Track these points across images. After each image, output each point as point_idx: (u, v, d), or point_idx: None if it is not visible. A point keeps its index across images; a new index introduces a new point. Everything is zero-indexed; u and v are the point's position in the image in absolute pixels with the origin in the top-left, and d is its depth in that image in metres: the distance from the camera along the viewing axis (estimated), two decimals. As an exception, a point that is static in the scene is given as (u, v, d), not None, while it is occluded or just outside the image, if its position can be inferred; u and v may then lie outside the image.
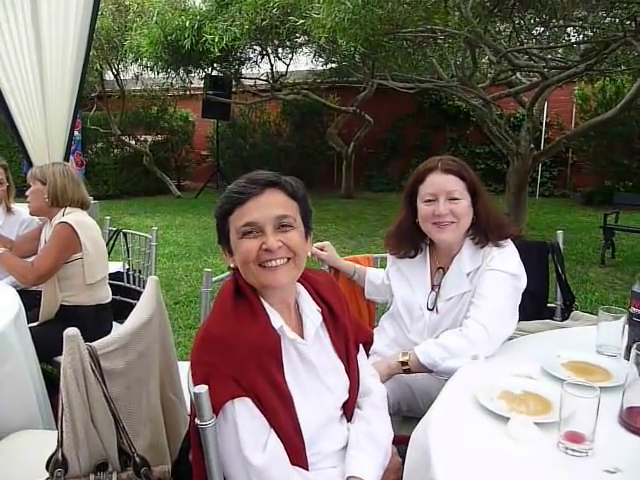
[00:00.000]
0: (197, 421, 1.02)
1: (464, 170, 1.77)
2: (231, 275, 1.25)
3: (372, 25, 4.76)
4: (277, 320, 1.18)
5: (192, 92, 10.73)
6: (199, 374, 1.09)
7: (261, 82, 10.28)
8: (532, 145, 6.37)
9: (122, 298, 2.86)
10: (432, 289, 1.83)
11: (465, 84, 6.00)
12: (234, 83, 9.57)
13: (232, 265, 1.23)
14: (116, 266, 2.98)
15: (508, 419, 1.18)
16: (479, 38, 4.92)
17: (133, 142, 10.80)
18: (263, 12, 5.80)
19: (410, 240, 1.86)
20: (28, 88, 3.74)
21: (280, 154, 11.00)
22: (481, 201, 1.76)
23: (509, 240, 1.77)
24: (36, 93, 3.77)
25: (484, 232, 1.75)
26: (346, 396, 1.28)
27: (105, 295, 2.56)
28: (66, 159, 4.07)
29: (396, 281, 1.93)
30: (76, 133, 8.78)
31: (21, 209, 2.86)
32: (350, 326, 1.31)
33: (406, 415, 1.80)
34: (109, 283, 2.62)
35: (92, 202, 2.62)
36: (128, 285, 2.90)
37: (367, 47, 5.50)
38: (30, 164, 3.95)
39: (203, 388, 1.00)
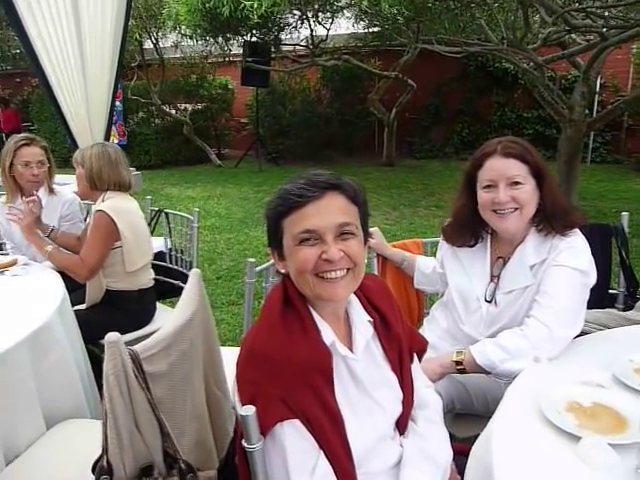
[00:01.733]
0: (244, 443, 0.96)
1: (526, 152, 1.61)
2: (279, 281, 1.16)
3: (418, -14, 4.49)
4: (329, 335, 1.09)
5: (231, 59, 10.59)
6: (245, 393, 1.02)
7: (300, 48, 10.04)
8: (587, 111, 6.00)
9: (164, 278, 2.84)
10: (491, 280, 1.71)
11: (515, 46, 5.66)
12: (273, 49, 9.35)
13: (283, 271, 1.14)
14: (158, 244, 2.95)
15: (578, 438, 1.08)
16: (533, -3, 4.59)
17: (173, 111, 10.78)
18: (303, -25, 5.58)
19: (470, 228, 1.74)
20: (68, 62, 3.72)
21: (320, 121, 10.80)
22: (547, 185, 1.61)
23: (576, 230, 1.62)
24: (76, 67, 3.74)
25: (548, 219, 1.61)
26: (399, 410, 1.19)
27: (148, 279, 2.54)
28: (108, 132, 4.07)
29: (452, 269, 1.81)
30: (117, 104, 8.82)
31: (63, 190, 2.84)
32: (404, 334, 1.21)
33: (459, 412, 1.72)
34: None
35: (135, 173, 2.56)
36: (170, 266, 2.88)
37: (412, 10, 5.23)
38: (72, 140, 3.96)
39: (250, 410, 0.93)
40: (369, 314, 1.18)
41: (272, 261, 1.88)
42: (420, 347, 1.29)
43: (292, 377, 1.01)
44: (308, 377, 1.02)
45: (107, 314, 2.41)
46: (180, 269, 2.85)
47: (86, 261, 2.25)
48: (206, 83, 11.16)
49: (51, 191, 2.73)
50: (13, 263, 2.26)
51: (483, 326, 1.69)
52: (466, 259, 1.77)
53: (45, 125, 11.54)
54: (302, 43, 9.36)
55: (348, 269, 1.08)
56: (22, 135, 2.66)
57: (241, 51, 9.55)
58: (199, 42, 8.36)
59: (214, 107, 11.41)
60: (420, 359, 1.32)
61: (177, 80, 10.91)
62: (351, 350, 1.13)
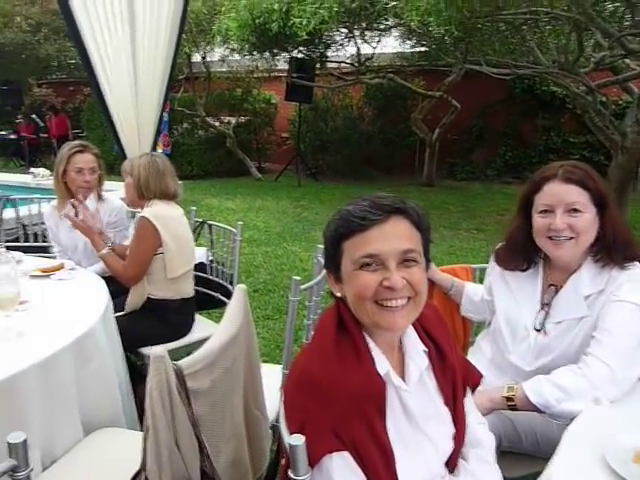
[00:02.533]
0: (291, 474, 0.91)
1: (588, 179, 1.53)
2: (333, 304, 1.12)
3: (470, 7, 4.45)
4: (383, 365, 1.04)
5: (276, 74, 10.72)
6: (295, 421, 0.97)
7: (345, 65, 10.10)
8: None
9: (204, 290, 2.83)
10: (541, 308, 1.63)
11: (567, 70, 5.54)
12: (318, 66, 9.42)
13: (338, 294, 1.10)
14: (199, 255, 2.96)
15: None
16: (590, 20, 4.48)
17: (217, 124, 10.95)
18: (353, -6, 5.60)
19: (523, 252, 1.66)
20: (121, 75, 3.82)
21: (361, 138, 10.79)
22: (608, 215, 1.53)
23: (637, 263, 1.53)
24: (129, 79, 3.85)
25: (607, 250, 1.53)
26: (450, 447, 1.13)
27: (189, 289, 2.54)
28: (154, 142, 4.14)
29: (500, 294, 1.74)
30: (164, 115, 9.01)
31: (111, 197, 2.89)
32: (458, 366, 1.15)
33: (506, 450, 1.63)
34: (192, 274, 2.60)
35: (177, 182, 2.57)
36: (210, 277, 2.87)
37: (462, 30, 5.19)
38: (121, 148, 4.05)
39: (300, 440, 0.89)
40: (424, 343, 1.12)
41: (316, 280, 1.86)
42: (474, 380, 1.23)
43: (344, 407, 0.96)
44: (360, 407, 0.97)
45: (147, 323, 2.42)
46: (220, 281, 2.84)
47: (128, 269, 2.29)
48: (250, 97, 11.31)
49: (100, 198, 2.78)
50: (60, 267, 2.28)
51: (531, 356, 1.61)
52: (515, 284, 1.70)
53: (94, 132, 11.87)
54: (348, 61, 9.39)
55: (409, 298, 1.03)
56: (76, 142, 2.72)
57: (286, 67, 9.69)
58: (246, 57, 8.48)
59: (257, 121, 11.55)
60: (473, 393, 1.25)
61: (222, 93, 11.09)
62: (403, 380, 1.08)
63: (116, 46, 3.74)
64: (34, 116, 13.14)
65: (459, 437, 1.12)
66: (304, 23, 5.91)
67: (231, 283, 2.82)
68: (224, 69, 10.83)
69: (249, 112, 11.36)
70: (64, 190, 2.69)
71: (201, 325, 2.65)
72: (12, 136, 13.08)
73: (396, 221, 1.03)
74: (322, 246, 2.14)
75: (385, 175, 11.20)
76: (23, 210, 3.45)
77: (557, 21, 5.08)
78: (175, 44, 3.87)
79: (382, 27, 7.31)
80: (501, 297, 1.73)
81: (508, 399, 1.46)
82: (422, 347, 1.12)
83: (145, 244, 2.29)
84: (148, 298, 2.43)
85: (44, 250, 3.47)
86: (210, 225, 2.91)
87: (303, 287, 1.73)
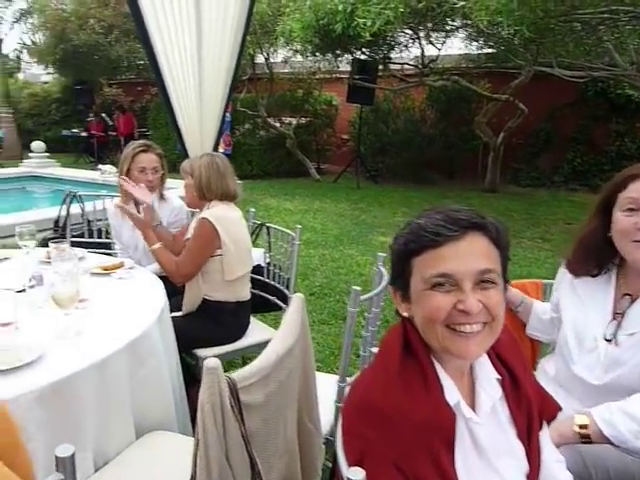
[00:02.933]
0: (348, 510, 0.84)
1: None
2: (399, 324, 1.04)
3: (544, 6, 4.24)
4: (453, 394, 0.95)
5: (337, 76, 10.68)
6: (353, 450, 0.90)
7: (408, 67, 9.93)
8: None
9: (260, 293, 2.80)
10: (613, 318, 1.49)
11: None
12: (381, 68, 9.30)
13: (405, 314, 1.01)
14: (257, 256, 2.93)
15: None
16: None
17: (277, 124, 11.03)
18: (420, -6, 5.47)
19: (596, 256, 1.54)
20: (187, 77, 3.86)
21: (423, 141, 10.59)
22: None
23: None
24: (194, 81, 3.87)
25: None
26: None
27: (245, 292, 2.51)
28: (216, 142, 4.16)
29: (568, 304, 1.60)
30: (227, 115, 9.15)
31: (172, 196, 2.90)
32: (534, 396, 1.05)
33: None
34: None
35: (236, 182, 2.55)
36: (267, 280, 2.84)
37: (533, 31, 4.96)
38: (183, 147, 4.09)
39: (359, 474, 0.81)
40: (497, 371, 1.02)
41: (377, 290, 1.78)
42: (551, 412, 1.11)
43: (408, 438, 0.88)
44: (426, 440, 0.89)
45: (202, 324, 2.41)
46: (277, 285, 2.80)
47: (180, 267, 2.29)
48: (311, 98, 11.33)
49: (162, 197, 2.80)
50: (120, 266, 2.30)
51: (600, 369, 1.48)
52: (585, 291, 1.56)
53: (159, 131, 12.23)
54: (411, 62, 9.22)
55: (485, 323, 0.93)
56: (140, 142, 2.75)
57: (348, 68, 9.64)
58: (309, 58, 8.47)
59: (317, 122, 11.55)
60: (549, 426, 1.14)
61: (284, 94, 11.16)
62: (473, 410, 0.98)
63: (182, 47, 3.78)
64: (104, 115, 13.67)
65: (533, 475, 1.01)
66: (368, 24, 5.82)
67: (287, 287, 2.78)
68: (286, 70, 10.90)
69: (310, 113, 11.38)
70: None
71: (256, 328, 2.62)
72: (83, 134, 13.67)
73: (473, 237, 0.94)
74: (382, 254, 2.07)
75: (446, 179, 10.95)
76: (88, 206, 3.53)
77: (638, 20, 4.76)
78: (240, 45, 3.87)
79: (448, 28, 7.11)
80: (569, 307, 1.60)
81: (582, 435, 1.33)
82: (495, 375, 1.02)
83: (204, 245, 2.27)
84: (204, 299, 2.42)
85: (106, 246, 3.56)
86: (268, 227, 2.88)
87: (363, 298, 1.65)
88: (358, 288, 1.65)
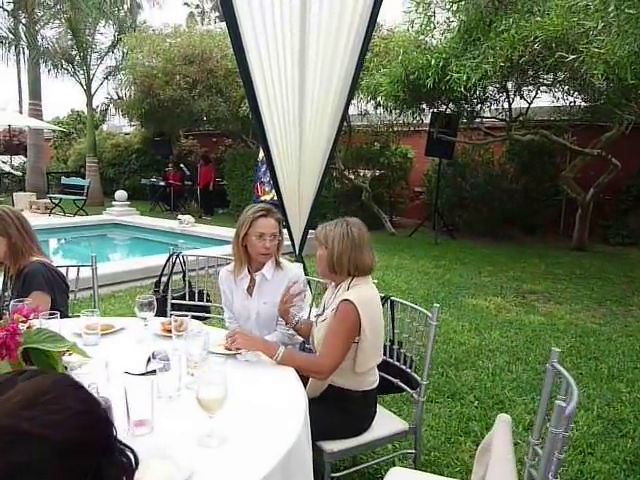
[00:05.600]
0: None
1: None
2: None
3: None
4: None
5: (416, 128, 10.51)
6: None
7: (488, 119, 9.66)
8: None
9: (382, 374, 2.49)
10: None
11: None
12: (465, 121, 9.07)
13: None
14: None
15: None
16: None
17: (352, 176, 10.92)
18: (522, 48, 5.23)
19: None
20: (288, 132, 3.74)
21: (502, 196, 10.16)
22: None
23: None
24: (295, 134, 3.75)
25: None
26: None
27: (374, 379, 2.23)
28: (316, 198, 3.98)
29: None
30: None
31: (290, 265, 2.69)
32: None
33: None
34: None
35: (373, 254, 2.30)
36: (389, 360, 2.53)
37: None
38: (278, 194, 3.93)
39: None
40: None
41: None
42: None
43: None
44: None
45: (326, 413, 2.12)
46: (402, 367, 2.49)
47: (327, 360, 2.00)
48: (388, 151, 11.20)
49: (277, 265, 2.58)
50: (243, 344, 2.07)
51: None
52: None
53: (234, 182, 12.40)
54: (499, 116, 8.93)
55: None
56: (260, 206, 2.57)
57: (426, 120, 9.45)
58: (394, 112, 8.35)
59: (392, 175, 11.37)
60: None
61: (360, 147, 11.09)
62: None
63: (286, 105, 3.69)
64: (182, 165, 14.06)
65: None
66: (464, 78, 5.62)
67: (411, 367, 2.47)
68: (364, 123, 10.84)
69: (384, 166, 11.22)
70: (243, 254, 2.53)
71: (383, 419, 2.31)
72: (161, 183, 14.06)
73: None
74: (557, 349, 1.75)
75: (526, 235, 10.42)
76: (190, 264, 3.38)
77: None
78: (340, 120, 3.70)
79: (547, 82, 6.81)
80: None
81: None
82: None
83: (347, 332, 2.01)
84: (328, 385, 2.15)
85: (205, 310, 3.38)
86: (393, 302, 2.60)
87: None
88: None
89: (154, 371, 1.70)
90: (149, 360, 1.89)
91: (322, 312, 2.28)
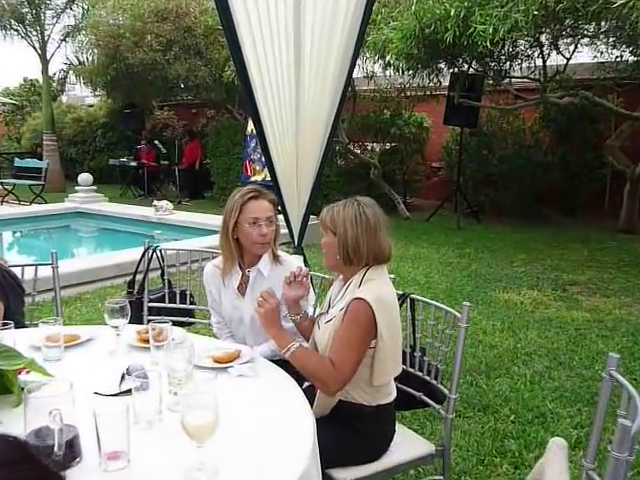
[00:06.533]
0: None
1: None
2: None
3: None
4: None
5: (431, 93, 10.43)
6: None
7: (518, 80, 9.58)
8: None
9: (402, 386, 2.46)
10: None
11: None
12: (491, 82, 8.99)
13: None
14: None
15: None
16: None
17: (358, 151, 10.85)
18: (559, -9, 5.15)
19: None
20: (284, 106, 3.70)
21: (536, 170, 10.11)
22: None
23: None
24: (290, 111, 3.72)
25: None
26: None
27: (389, 391, 2.19)
28: (318, 177, 3.95)
29: None
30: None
31: (291, 259, 2.64)
32: None
33: None
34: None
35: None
36: (410, 370, 2.49)
37: None
38: (275, 179, 3.89)
39: None
40: None
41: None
42: None
43: None
44: None
45: (335, 432, 2.09)
46: (425, 377, 2.45)
47: (340, 368, 1.94)
48: (400, 120, 11.12)
49: (275, 258, 2.52)
50: (235, 356, 2.04)
51: None
52: None
53: (219, 160, 12.32)
54: (531, 75, 8.85)
55: None
56: (248, 187, 2.51)
57: (445, 83, 9.36)
58: (406, 73, 8.27)
59: (405, 148, 11.29)
60: None
61: (367, 116, 11.02)
62: None
63: (281, 81, 3.66)
64: (157, 142, 14.00)
65: None
66: (490, 30, 5.55)
67: (436, 377, 2.44)
68: (370, 87, 10.75)
69: (396, 137, 11.15)
70: (234, 249, 2.47)
71: (403, 439, 2.27)
72: (132, 163, 13.99)
73: None
74: (615, 355, 1.71)
75: (565, 216, 10.37)
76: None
77: None
78: (341, 95, 3.67)
79: (589, 34, 6.73)
80: None
81: None
82: None
83: (361, 336, 1.95)
84: (338, 400, 2.11)
85: (189, 314, 3.34)
86: (413, 300, 2.56)
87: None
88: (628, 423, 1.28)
89: (129, 391, 1.66)
90: (123, 377, 1.87)
91: (327, 311, 2.23)
